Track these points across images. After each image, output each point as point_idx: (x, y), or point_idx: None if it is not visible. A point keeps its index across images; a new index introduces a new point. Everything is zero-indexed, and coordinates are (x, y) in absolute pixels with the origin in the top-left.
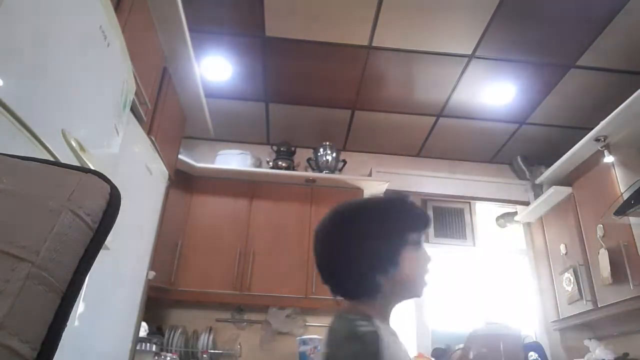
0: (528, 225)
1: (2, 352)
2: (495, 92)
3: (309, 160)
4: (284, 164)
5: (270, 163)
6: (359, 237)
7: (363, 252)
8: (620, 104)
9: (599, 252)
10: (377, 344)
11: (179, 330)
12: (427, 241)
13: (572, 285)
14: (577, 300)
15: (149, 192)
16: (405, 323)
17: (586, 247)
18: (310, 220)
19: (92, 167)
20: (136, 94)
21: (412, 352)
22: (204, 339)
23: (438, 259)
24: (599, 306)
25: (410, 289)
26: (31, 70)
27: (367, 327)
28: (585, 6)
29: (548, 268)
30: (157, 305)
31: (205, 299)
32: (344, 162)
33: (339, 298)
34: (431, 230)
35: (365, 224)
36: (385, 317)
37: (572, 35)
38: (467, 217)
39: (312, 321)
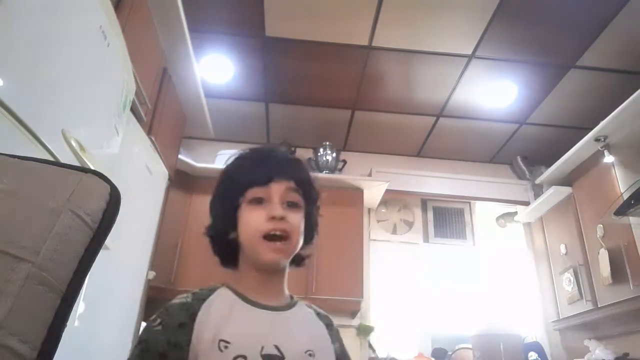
0: (528, 225)
1: (2, 352)
2: (495, 92)
3: (309, 160)
4: None
5: None
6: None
7: (212, 213)
8: (620, 104)
9: (599, 252)
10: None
11: None
12: (427, 241)
13: (572, 285)
14: (577, 300)
15: (149, 192)
16: (405, 323)
17: (586, 247)
18: None
19: (92, 167)
20: (136, 94)
21: (412, 352)
22: None
23: (438, 258)
24: (599, 306)
25: (249, 252)
26: (31, 70)
27: (185, 297)
28: (585, 6)
29: (548, 268)
30: (157, 305)
31: None
32: (344, 162)
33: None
34: (431, 230)
35: (216, 186)
36: (253, 287)
37: (572, 35)
38: (467, 217)
39: None
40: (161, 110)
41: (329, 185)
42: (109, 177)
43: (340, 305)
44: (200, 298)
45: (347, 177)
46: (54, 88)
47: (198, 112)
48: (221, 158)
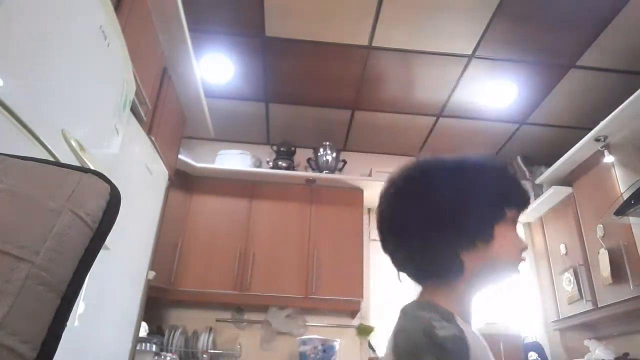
0: (528, 225)
1: (2, 352)
2: (495, 92)
3: (309, 160)
4: (284, 164)
5: (270, 163)
6: (444, 199)
7: (447, 219)
8: (620, 104)
9: (599, 252)
10: (464, 354)
11: (179, 330)
12: None
13: (572, 285)
14: (577, 300)
15: (149, 192)
16: None
17: (586, 247)
18: (310, 220)
19: (92, 167)
20: (136, 94)
21: None
22: (204, 339)
23: None
24: (599, 306)
25: (499, 270)
26: (31, 70)
27: (448, 329)
28: (585, 6)
29: (548, 268)
30: (157, 305)
31: (205, 299)
32: (344, 162)
33: (404, 278)
34: None
35: (457, 184)
36: (466, 312)
37: (572, 35)
38: None
39: (312, 321)
40: (161, 110)
41: (329, 185)
42: (109, 177)
43: (340, 305)
44: (462, 331)
45: (347, 177)
46: (54, 88)
47: (198, 112)
48: (221, 158)
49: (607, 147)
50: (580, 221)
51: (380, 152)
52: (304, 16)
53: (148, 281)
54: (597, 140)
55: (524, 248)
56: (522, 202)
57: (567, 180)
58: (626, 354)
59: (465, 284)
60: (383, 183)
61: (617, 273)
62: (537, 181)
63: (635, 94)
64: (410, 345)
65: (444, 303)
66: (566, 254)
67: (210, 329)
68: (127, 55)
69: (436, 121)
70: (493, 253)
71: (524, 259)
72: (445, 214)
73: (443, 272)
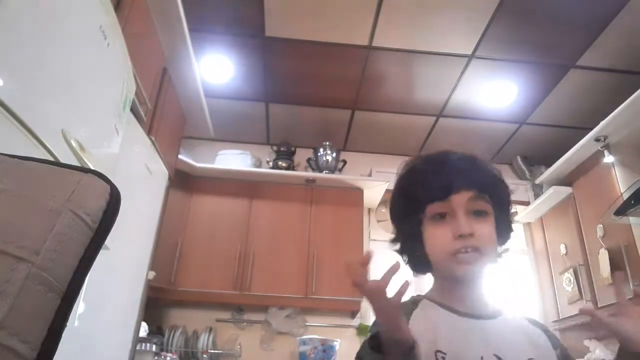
0: (528, 225)
1: (2, 352)
2: (495, 92)
3: (309, 160)
4: (284, 164)
5: (270, 163)
6: (390, 201)
7: (393, 221)
8: (620, 104)
9: (599, 252)
10: (405, 306)
11: (179, 330)
12: None
13: (572, 285)
14: (577, 300)
15: (149, 192)
16: None
17: (586, 247)
18: (310, 220)
19: (92, 167)
20: (136, 94)
21: None
22: (204, 339)
23: None
24: (599, 306)
25: (438, 267)
26: (31, 70)
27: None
28: (585, 6)
29: (548, 268)
30: (157, 305)
31: (205, 299)
32: (344, 162)
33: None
34: None
35: (394, 187)
36: (450, 299)
37: (572, 35)
38: None
39: (312, 321)
40: (161, 110)
41: (329, 185)
42: (109, 177)
43: (340, 305)
44: (405, 312)
45: (347, 177)
46: (54, 88)
47: (198, 112)
48: (221, 158)
49: (607, 147)
50: (580, 221)
51: (380, 152)
52: (304, 16)
53: (148, 281)
54: (597, 140)
55: (457, 236)
56: (435, 194)
57: (567, 180)
58: None
59: (436, 276)
60: (383, 183)
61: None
62: (537, 181)
63: (635, 94)
64: None
65: (429, 292)
66: (566, 254)
67: (210, 329)
68: (127, 55)
69: (436, 121)
70: (427, 250)
71: (460, 251)
72: (391, 217)
73: (419, 268)
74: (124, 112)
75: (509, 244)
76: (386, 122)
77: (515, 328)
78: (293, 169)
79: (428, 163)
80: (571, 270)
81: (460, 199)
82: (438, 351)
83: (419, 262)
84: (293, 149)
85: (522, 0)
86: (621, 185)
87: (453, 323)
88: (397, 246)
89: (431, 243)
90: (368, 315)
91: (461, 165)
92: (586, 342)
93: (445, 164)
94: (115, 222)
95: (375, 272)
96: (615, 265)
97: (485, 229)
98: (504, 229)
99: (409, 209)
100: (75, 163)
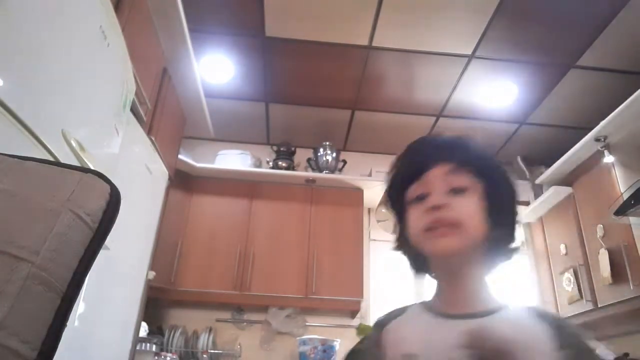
0: (528, 225)
1: (2, 352)
2: (495, 92)
3: (309, 160)
4: (284, 164)
5: (270, 163)
6: None
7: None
8: (620, 104)
9: (599, 252)
10: (376, 325)
11: (179, 330)
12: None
13: (572, 285)
14: (577, 300)
15: (149, 192)
16: None
17: (586, 247)
18: (310, 220)
19: (92, 167)
20: (136, 94)
21: None
22: (204, 339)
23: None
24: (599, 306)
25: (421, 253)
26: (31, 70)
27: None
28: (585, 6)
29: (548, 268)
30: (157, 305)
31: (205, 299)
32: (344, 162)
33: None
34: None
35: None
36: (441, 297)
37: (572, 35)
38: None
39: (312, 321)
40: (161, 110)
41: (329, 185)
42: (109, 177)
43: (340, 305)
44: (393, 315)
45: (347, 177)
46: (54, 88)
47: (198, 112)
48: (221, 158)
49: (607, 147)
50: (580, 221)
51: (380, 152)
52: (304, 16)
53: (148, 281)
54: (597, 140)
55: (429, 208)
56: (411, 173)
57: (567, 180)
58: (626, 354)
59: (433, 276)
60: (383, 183)
61: (617, 273)
62: (537, 181)
63: (635, 94)
64: None
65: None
66: (566, 254)
67: (210, 329)
68: (127, 55)
69: (436, 121)
70: (408, 235)
71: (432, 226)
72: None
73: (416, 265)
74: (124, 112)
75: (517, 241)
76: (386, 122)
77: (507, 327)
78: (293, 169)
79: (407, 149)
80: (571, 270)
81: (436, 175)
82: (405, 355)
83: (413, 257)
84: (293, 149)
85: (522, 0)
86: (621, 185)
87: (430, 323)
88: (397, 248)
89: (409, 225)
90: (368, 315)
91: (439, 142)
92: None
93: (423, 143)
94: (115, 222)
95: (375, 272)
96: (615, 265)
97: (464, 203)
98: (500, 212)
99: (393, 198)
100: (75, 163)
